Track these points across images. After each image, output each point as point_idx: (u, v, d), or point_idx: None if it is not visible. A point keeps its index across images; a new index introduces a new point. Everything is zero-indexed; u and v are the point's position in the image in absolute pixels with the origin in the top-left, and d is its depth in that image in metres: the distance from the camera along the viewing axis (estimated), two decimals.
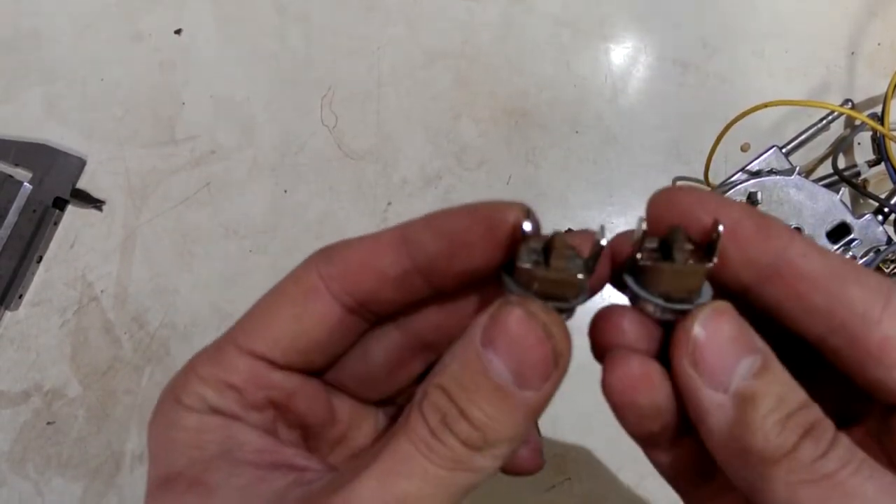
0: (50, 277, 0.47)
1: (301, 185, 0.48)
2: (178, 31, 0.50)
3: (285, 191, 0.48)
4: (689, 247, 0.18)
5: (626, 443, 0.50)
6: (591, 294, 0.19)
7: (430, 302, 0.21)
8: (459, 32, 0.49)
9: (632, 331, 0.19)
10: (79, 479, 0.45)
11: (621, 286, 0.19)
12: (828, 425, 0.17)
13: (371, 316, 0.21)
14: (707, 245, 0.17)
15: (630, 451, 0.45)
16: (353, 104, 0.49)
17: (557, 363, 0.17)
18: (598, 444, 0.44)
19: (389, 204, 0.47)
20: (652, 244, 0.18)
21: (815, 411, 0.17)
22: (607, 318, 0.19)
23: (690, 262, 0.18)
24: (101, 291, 0.47)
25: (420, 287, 0.20)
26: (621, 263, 0.19)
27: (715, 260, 0.17)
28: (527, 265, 0.17)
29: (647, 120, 0.48)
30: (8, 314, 0.47)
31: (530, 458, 0.23)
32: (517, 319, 0.17)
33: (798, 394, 0.17)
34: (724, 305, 0.18)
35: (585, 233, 0.19)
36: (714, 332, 0.17)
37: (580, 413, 0.45)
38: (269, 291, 0.20)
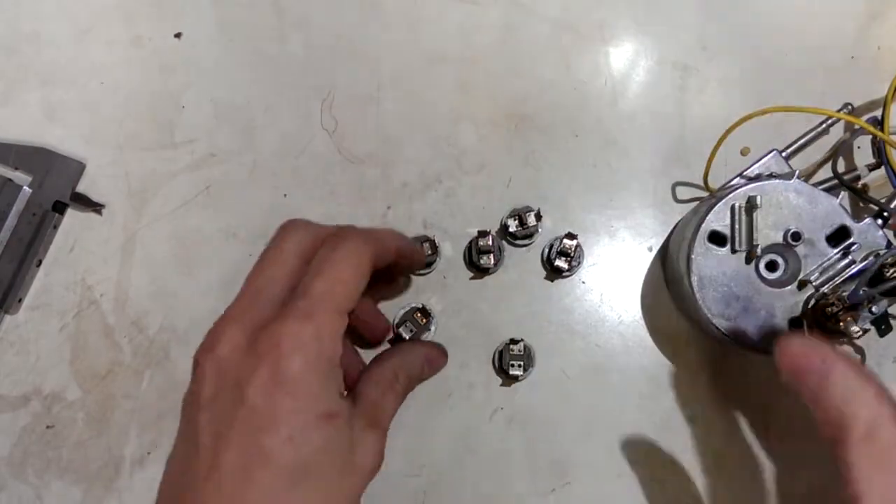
0: (49, 281, 0.47)
1: (301, 189, 0.48)
2: (177, 35, 0.50)
3: (285, 195, 0.48)
4: None
5: (627, 446, 0.50)
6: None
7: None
8: (459, 36, 0.49)
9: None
10: (78, 482, 0.45)
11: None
12: None
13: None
14: None
15: (631, 454, 0.45)
16: (353, 108, 0.49)
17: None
18: (598, 448, 0.44)
19: (389, 208, 0.47)
20: None
21: None
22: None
23: None
24: (101, 295, 0.47)
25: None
26: None
27: None
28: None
29: (647, 123, 0.48)
30: (7, 318, 0.47)
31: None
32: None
33: None
34: None
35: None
36: None
37: (581, 417, 0.45)
38: (338, 267, 0.32)
